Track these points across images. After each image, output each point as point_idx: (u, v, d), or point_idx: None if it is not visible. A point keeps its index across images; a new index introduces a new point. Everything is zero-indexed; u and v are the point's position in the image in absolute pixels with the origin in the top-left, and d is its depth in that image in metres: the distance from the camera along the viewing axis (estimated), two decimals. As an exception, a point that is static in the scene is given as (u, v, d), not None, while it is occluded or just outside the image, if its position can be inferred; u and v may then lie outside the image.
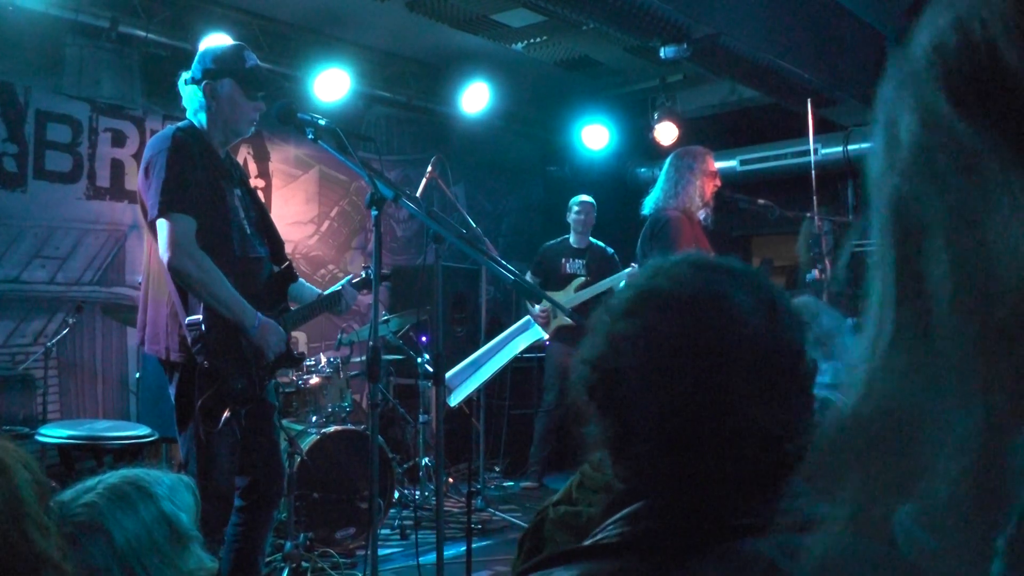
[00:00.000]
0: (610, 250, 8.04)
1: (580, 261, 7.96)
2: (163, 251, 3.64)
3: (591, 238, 8.07)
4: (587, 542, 1.19)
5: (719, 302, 1.19)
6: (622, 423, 1.21)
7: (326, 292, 4.41)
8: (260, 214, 4.15)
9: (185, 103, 4.00)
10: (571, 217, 8.06)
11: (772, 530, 1.08)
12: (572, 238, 8.06)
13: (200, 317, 3.64)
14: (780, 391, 1.17)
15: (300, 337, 7.51)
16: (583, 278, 7.82)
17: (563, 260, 7.99)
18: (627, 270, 7.36)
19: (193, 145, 3.81)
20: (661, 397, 1.16)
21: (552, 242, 8.17)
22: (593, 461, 2.04)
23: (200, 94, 3.93)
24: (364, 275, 4.53)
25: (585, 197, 8.09)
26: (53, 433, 5.42)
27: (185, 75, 4.01)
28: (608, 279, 7.57)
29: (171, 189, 3.65)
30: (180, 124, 3.91)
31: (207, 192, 3.79)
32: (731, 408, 1.14)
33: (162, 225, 3.65)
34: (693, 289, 1.21)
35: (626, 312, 1.23)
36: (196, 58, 4.02)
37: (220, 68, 3.95)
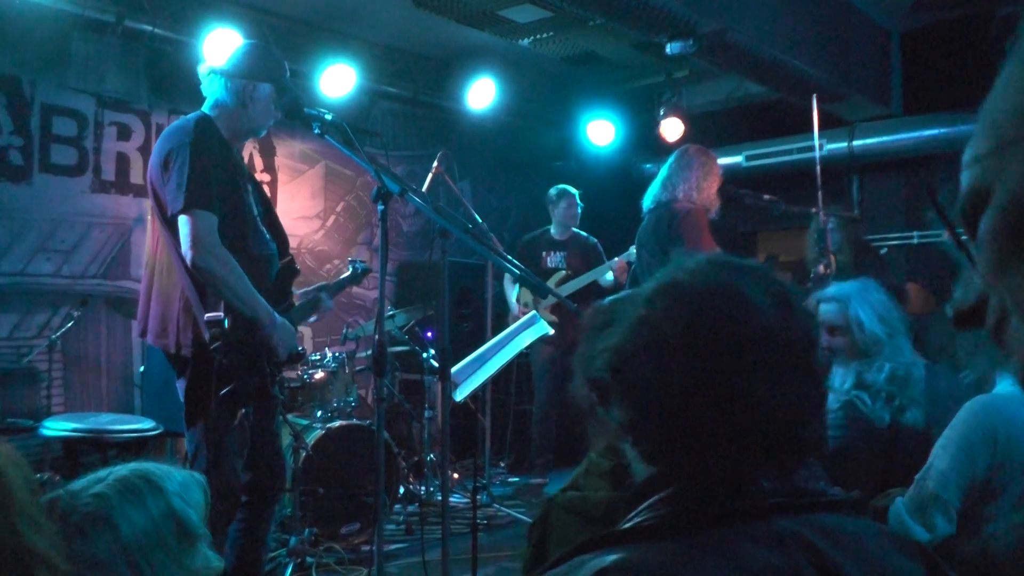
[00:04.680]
0: (593, 240, 7.93)
1: (561, 254, 7.86)
2: (186, 248, 3.61)
3: (575, 228, 7.96)
4: (624, 526, 1.26)
5: (733, 294, 1.27)
6: (641, 406, 1.28)
7: (301, 292, 4.39)
8: (267, 209, 4.14)
9: (205, 91, 3.97)
10: (555, 210, 7.94)
11: (800, 509, 1.21)
12: (553, 229, 7.95)
13: (222, 314, 3.63)
14: (791, 380, 1.25)
15: (304, 332, 7.51)
16: (563, 272, 7.75)
17: (543, 254, 7.90)
18: (611, 261, 7.32)
19: (212, 139, 3.79)
20: (677, 381, 1.24)
21: (531, 235, 8.07)
22: (599, 448, 2.10)
23: (229, 87, 3.91)
24: (351, 269, 4.53)
25: (568, 187, 7.98)
26: (57, 426, 5.43)
27: (213, 65, 3.98)
28: (590, 272, 7.50)
29: (195, 184, 3.62)
30: (196, 116, 3.86)
31: (227, 188, 3.77)
32: (743, 392, 1.21)
33: (184, 221, 3.62)
34: (709, 281, 1.29)
35: (647, 301, 1.32)
36: (236, 52, 3.98)
37: (264, 72, 3.95)
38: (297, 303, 4.31)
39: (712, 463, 1.23)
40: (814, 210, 6.00)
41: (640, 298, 1.33)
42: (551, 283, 7.60)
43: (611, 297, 2.42)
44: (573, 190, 7.96)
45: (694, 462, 1.24)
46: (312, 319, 4.50)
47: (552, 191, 8.01)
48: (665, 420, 1.25)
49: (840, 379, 3.38)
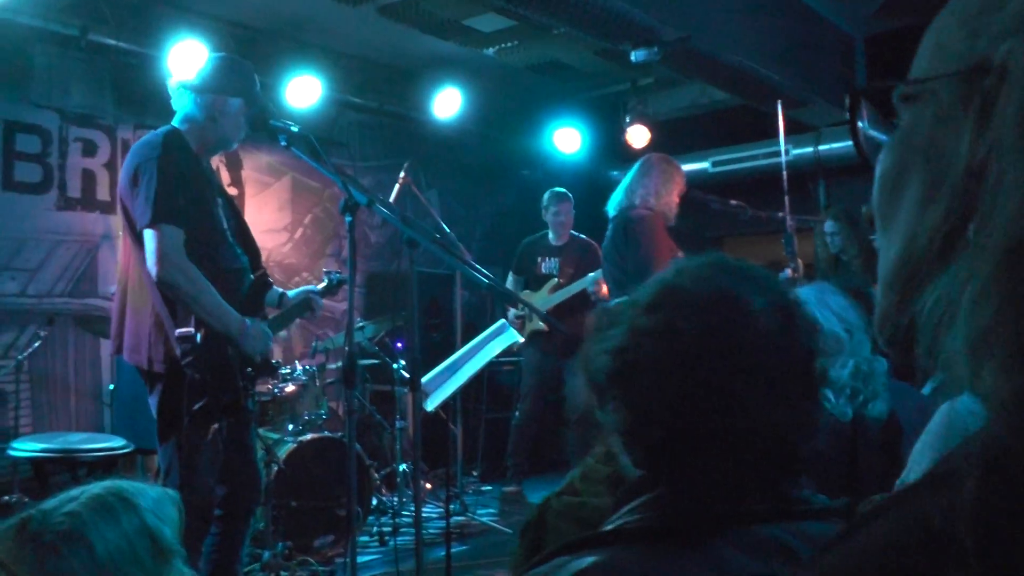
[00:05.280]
0: (592, 244, 7.63)
1: (555, 260, 7.77)
2: (151, 263, 3.61)
3: (573, 232, 7.84)
4: (608, 527, 1.26)
5: (737, 303, 1.26)
6: (637, 411, 1.28)
7: (291, 294, 4.39)
8: (238, 223, 4.13)
9: (175, 105, 3.97)
10: (546, 216, 7.81)
11: (784, 517, 1.21)
12: (551, 235, 7.85)
13: (193, 329, 3.62)
14: (790, 392, 1.25)
15: (275, 346, 7.47)
16: (555, 280, 7.72)
17: (539, 259, 7.83)
18: (589, 276, 7.25)
19: (181, 153, 3.79)
20: (676, 389, 1.24)
21: (532, 238, 7.96)
22: (598, 454, 2.11)
23: (199, 101, 3.90)
24: (327, 280, 4.53)
25: (561, 191, 7.83)
26: (26, 447, 5.37)
27: (183, 80, 3.97)
28: (578, 282, 7.45)
29: (162, 199, 3.61)
30: (166, 130, 3.86)
31: (196, 202, 3.77)
32: (742, 404, 1.21)
33: (150, 236, 3.62)
34: (714, 289, 1.29)
35: (649, 307, 1.31)
36: (206, 66, 3.99)
37: (234, 86, 3.94)
38: (286, 306, 4.32)
39: (703, 470, 1.23)
40: (781, 214, 6.05)
41: (640, 303, 1.32)
42: (544, 291, 7.59)
43: (616, 300, 2.44)
44: (567, 194, 7.81)
45: (685, 468, 1.24)
46: (308, 316, 4.49)
47: (545, 196, 7.86)
48: (659, 425, 1.25)
49: None
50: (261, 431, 5.53)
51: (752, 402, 1.21)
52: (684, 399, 1.22)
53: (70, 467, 5.42)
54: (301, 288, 4.47)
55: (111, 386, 6.56)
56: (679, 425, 1.23)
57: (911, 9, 7.74)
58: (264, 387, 5.90)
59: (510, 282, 7.91)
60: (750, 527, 1.18)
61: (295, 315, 4.35)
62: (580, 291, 7.38)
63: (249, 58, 7.22)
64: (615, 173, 9.76)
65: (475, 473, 8.45)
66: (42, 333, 6.32)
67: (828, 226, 6.83)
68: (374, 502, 6.29)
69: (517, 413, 7.93)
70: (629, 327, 1.31)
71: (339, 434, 5.95)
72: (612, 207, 5.80)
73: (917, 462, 2.89)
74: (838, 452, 3.28)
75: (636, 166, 5.80)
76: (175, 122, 3.95)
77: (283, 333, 4.09)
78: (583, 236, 7.79)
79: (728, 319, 1.25)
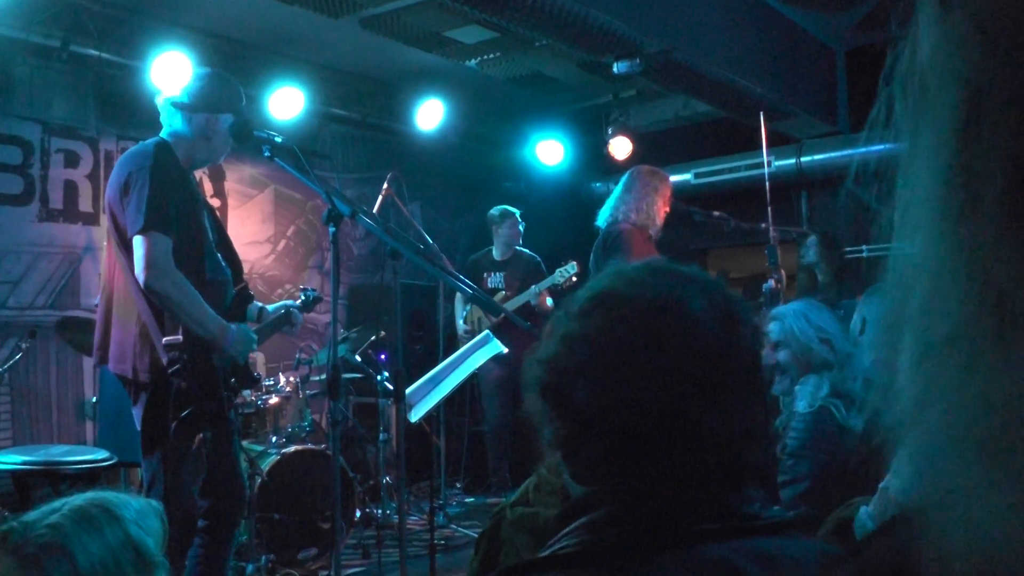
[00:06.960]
0: (537, 258, 7.93)
1: (500, 274, 7.92)
2: (139, 270, 3.60)
3: (518, 247, 7.98)
4: (545, 552, 1.19)
5: (676, 307, 1.19)
6: (575, 423, 1.21)
7: (270, 308, 4.38)
8: (221, 235, 4.14)
9: (163, 121, 3.97)
10: (499, 230, 7.97)
11: (732, 534, 1.12)
12: (495, 250, 8.02)
13: (180, 338, 3.61)
14: (736, 399, 1.18)
15: (258, 358, 7.44)
16: (503, 293, 7.78)
17: (484, 275, 7.97)
18: (534, 288, 7.35)
19: (171, 164, 3.79)
20: (614, 397, 1.17)
21: (476, 255, 8.16)
22: (550, 464, 2.06)
23: (191, 120, 3.90)
24: (303, 297, 4.53)
25: (509, 208, 8.02)
26: (6, 460, 5.32)
27: (172, 97, 3.96)
28: (524, 294, 7.53)
29: (153, 207, 3.62)
30: (156, 141, 3.87)
31: (184, 213, 3.77)
32: (685, 412, 1.14)
33: (139, 242, 3.61)
34: (650, 293, 1.21)
35: (582, 313, 1.24)
36: (194, 83, 3.99)
37: (225, 103, 3.95)
38: (265, 320, 4.31)
39: (648, 487, 1.15)
40: (764, 225, 6.07)
41: (574, 309, 1.25)
42: None
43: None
44: (514, 210, 7.99)
45: (628, 485, 1.16)
46: (288, 330, 4.48)
47: (494, 212, 8.04)
48: (600, 440, 1.18)
49: (814, 386, 3.44)
50: (244, 443, 5.51)
51: (695, 408, 1.14)
52: (623, 410, 1.16)
53: (52, 480, 5.36)
54: (280, 303, 4.47)
55: (93, 398, 6.52)
56: (618, 437, 1.16)
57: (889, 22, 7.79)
58: (246, 399, 5.88)
59: (459, 298, 7.98)
60: (696, 547, 1.11)
61: (274, 329, 4.34)
62: (524, 303, 7.44)
63: (232, 70, 7.23)
64: (598, 185, 9.81)
65: (459, 485, 8.43)
66: (23, 346, 6.27)
67: (809, 240, 6.92)
68: (358, 515, 6.27)
69: (485, 428, 7.99)
70: (561, 335, 1.24)
71: (323, 446, 5.94)
72: (601, 220, 5.84)
73: (896, 469, 2.90)
74: (847, 461, 3.30)
75: (624, 178, 5.83)
76: (163, 135, 3.95)
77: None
78: (527, 251, 7.89)
79: (667, 322, 1.18)
